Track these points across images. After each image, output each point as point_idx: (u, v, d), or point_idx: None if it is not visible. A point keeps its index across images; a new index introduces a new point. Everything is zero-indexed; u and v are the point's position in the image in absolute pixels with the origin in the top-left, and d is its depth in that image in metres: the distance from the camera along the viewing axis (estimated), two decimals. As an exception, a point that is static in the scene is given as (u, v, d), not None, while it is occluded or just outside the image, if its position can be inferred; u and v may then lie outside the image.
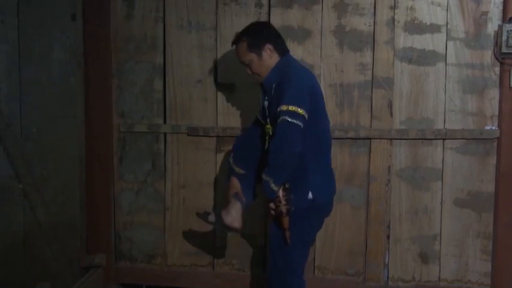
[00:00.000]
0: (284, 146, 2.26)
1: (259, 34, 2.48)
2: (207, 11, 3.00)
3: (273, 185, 2.29)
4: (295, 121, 2.25)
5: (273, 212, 2.38)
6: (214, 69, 3.02)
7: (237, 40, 2.49)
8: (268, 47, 2.46)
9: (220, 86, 3.01)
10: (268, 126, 2.44)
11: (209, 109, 3.04)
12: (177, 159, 3.09)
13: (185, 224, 3.11)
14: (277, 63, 2.47)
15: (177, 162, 3.09)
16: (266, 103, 2.47)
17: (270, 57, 2.46)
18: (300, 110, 2.26)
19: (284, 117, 2.25)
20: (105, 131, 3.09)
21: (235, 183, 2.58)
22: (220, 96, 3.02)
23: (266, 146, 2.45)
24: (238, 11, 2.97)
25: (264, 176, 2.32)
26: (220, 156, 3.05)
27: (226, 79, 3.00)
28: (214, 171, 3.06)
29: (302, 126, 2.26)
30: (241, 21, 2.95)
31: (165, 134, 3.08)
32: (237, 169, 2.59)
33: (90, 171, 3.09)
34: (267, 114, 2.47)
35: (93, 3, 3.02)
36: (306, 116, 2.28)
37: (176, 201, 3.11)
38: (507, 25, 2.77)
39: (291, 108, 2.25)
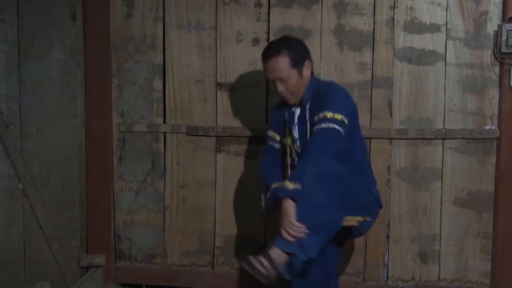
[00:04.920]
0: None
1: (300, 48, 2.32)
2: (206, 11, 3.00)
3: None
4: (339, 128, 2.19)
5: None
6: (214, 69, 3.02)
7: (274, 52, 2.22)
8: (308, 63, 2.31)
9: (220, 85, 3.01)
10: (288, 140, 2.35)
11: (209, 109, 3.04)
12: (177, 159, 3.09)
13: (185, 224, 3.11)
14: (310, 81, 2.33)
15: (177, 162, 3.09)
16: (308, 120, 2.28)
17: (307, 75, 2.32)
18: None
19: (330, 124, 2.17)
20: (104, 130, 3.09)
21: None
22: (220, 96, 3.02)
23: (289, 162, 2.34)
24: (238, 10, 2.97)
25: (276, 186, 2.21)
26: (220, 156, 3.05)
27: (226, 79, 3.00)
28: (214, 171, 3.06)
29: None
30: (241, 21, 2.96)
31: (164, 133, 3.08)
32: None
33: (90, 171, 3.09)
34: (305, 130, 2.31)
35: (93, 3, 3.02)
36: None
37: (176, 201, 3.11)
38: (507, 25, 2.77)
39: (336, 116, 2.17)
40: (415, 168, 2.93)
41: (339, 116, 2.16)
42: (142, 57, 3.07)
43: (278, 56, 2.23)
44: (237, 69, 2.98)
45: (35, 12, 3.00)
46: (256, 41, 2.94)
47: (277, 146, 2.42)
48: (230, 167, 3.04)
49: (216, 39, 3.00)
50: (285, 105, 2.41)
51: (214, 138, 3.04)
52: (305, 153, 2.18)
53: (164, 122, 3.09)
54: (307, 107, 2.32)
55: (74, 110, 3.04)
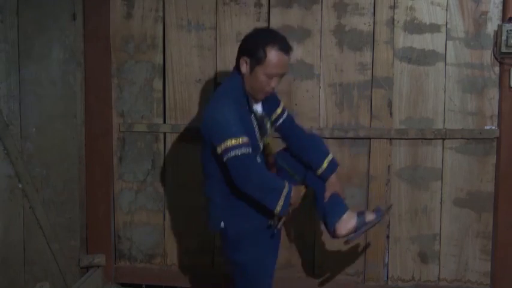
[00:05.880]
0: None
1: None
2: (206, 11, 3.00)
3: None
4: None
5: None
6: (214, 69, 3.02)
7: (290, 48, 2.19)
8: None
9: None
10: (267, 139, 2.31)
11: (209, 109, 3.04)
12: (177, 158, 3.09)
13: (185, 224, 3.11)
14: None
15: (177, 161, 3.09)
16: (263, 113, 2.30)
17: None
18: None
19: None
20: (104, 130, 3.09)
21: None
22: (220, 96, 3.01)
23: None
24: (238, 10, 2.97)
25: (331, 157, 2.39)
26: (220, 156, 3.05)
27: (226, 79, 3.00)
28: (214, 171, 3.06)
29: None
30: (241, 21, 2.96)
31: (164, 133, 3.08)
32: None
33: (90, 171, 3.10)
34: (269, 122, 2.34)
35: (93, 3, 3.02)
36: None
37: (176, 201, 3.11)
38: (507, 25, 2.77)
39: None
40: (415, 168, 2.93)
41: None
42: (142, 57, 3.07)
43: (291, 53, 2.20)
44: (237, 69, 2.98)
45: (35, 12, 3.00)
46: (256, 41, 2.93)
47: (251, 150, 2.13)
48: (230, 167, 3.03)
49: (216, 39, 3.00)
50: (238, 104, 2.19)
51: (214, 138, 3.03)
52: (304, 133, 2.49)
53: (164, 122, 3.09)
54: (261, 103, 2.29)
55: (74, 110, 3.04)
